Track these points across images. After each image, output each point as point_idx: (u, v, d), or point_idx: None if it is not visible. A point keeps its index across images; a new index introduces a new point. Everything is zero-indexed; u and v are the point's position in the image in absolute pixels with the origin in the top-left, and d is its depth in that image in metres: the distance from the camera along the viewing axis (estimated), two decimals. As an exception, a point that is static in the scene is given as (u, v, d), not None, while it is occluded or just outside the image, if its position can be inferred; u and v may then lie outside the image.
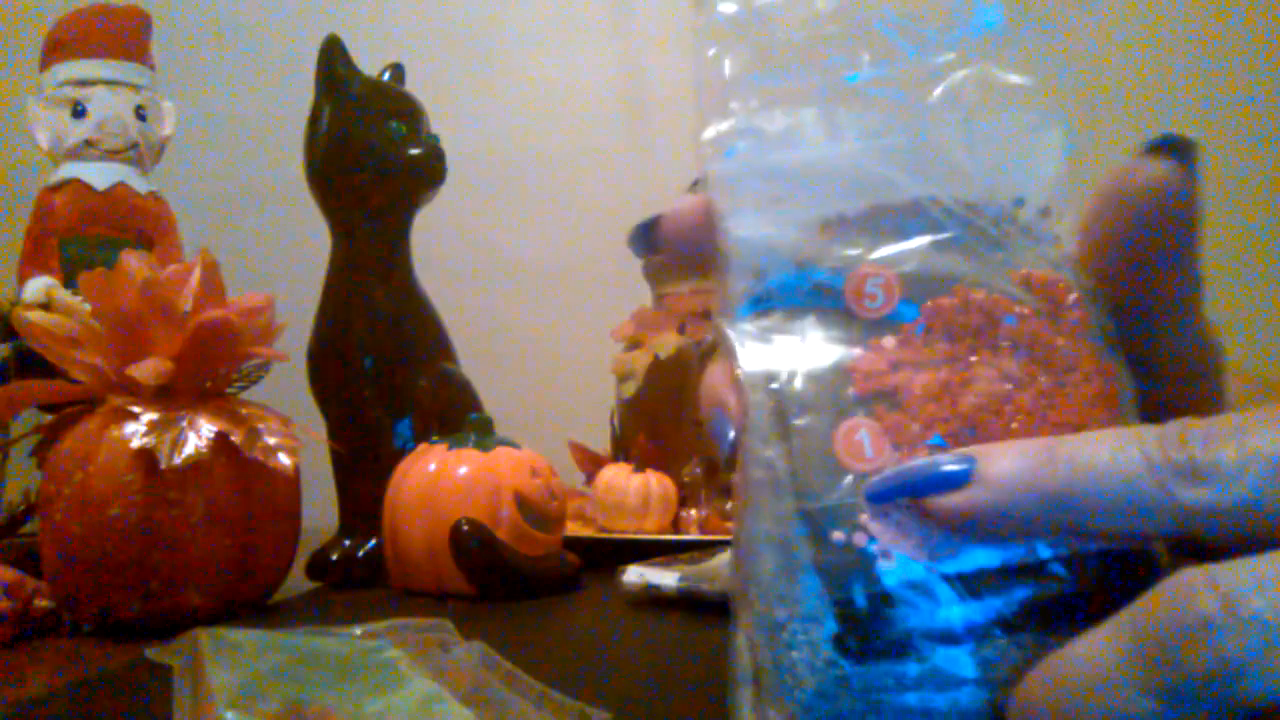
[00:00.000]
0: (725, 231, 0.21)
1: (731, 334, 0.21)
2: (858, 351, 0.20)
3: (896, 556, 0.18)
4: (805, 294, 0.20)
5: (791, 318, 0.20)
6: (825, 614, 0.18)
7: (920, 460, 0.19)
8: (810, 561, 0.18)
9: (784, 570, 0.18)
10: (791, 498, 0.19)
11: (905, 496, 0.18)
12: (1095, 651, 0.16)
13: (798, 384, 0.20)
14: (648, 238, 0.24)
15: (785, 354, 0.20)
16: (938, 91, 0.22)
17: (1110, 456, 0.17)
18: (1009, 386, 0.19)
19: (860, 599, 0.18)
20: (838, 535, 0.18)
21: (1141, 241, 0.20)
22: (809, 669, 0.18)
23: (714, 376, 0.22)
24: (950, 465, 0.18)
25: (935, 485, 0.18)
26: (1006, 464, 0.18)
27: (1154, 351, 0.21)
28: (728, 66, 0.23)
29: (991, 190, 0.21)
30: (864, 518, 0.18)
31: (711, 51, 0.23)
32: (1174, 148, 0.19)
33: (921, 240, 0.21)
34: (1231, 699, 0.15)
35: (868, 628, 0.18)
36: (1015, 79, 0.22)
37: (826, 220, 0.21)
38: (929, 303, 0.20)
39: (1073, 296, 0.20)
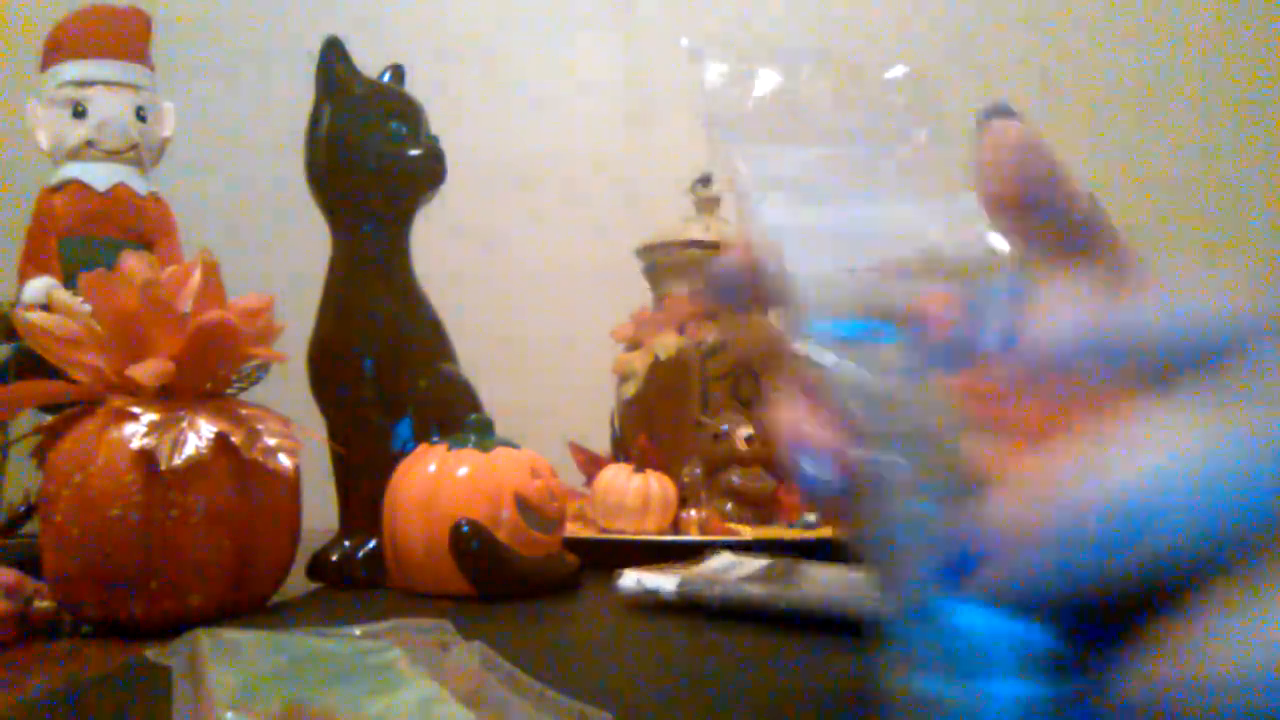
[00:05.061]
0: (787, 272, 0.22)
1: (825, 360, 0.21)
2: (955, 371, 0.21)
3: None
4: (880, 324, 0.21)
5: (871, 344, 0.21)
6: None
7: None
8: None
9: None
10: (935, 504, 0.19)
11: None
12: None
13: (909, 403, 0.20)
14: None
15: (880, 373, 0.21)
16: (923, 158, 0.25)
17: (1172, 295, 0.18)
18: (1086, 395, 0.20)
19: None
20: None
21: (1029, 172, 0.23)
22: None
23: (791, 412, 0.22)
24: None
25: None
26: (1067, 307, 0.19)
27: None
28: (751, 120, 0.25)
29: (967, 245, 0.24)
30: None
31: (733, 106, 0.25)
32: (1001, 109, 0.24)
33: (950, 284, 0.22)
34: None
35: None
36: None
37: (874, 265, 0.23)
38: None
39: None
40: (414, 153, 0.60)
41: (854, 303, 0.22)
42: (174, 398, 0.45)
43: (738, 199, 0.24)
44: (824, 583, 0.44)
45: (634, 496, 0.66)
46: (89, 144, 0.67)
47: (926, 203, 0.25)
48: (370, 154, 0.59)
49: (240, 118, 1.11)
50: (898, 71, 0.26)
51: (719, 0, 1.17)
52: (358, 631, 0.35)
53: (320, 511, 0.59)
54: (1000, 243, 0.24)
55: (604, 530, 0.66)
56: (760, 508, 0.71)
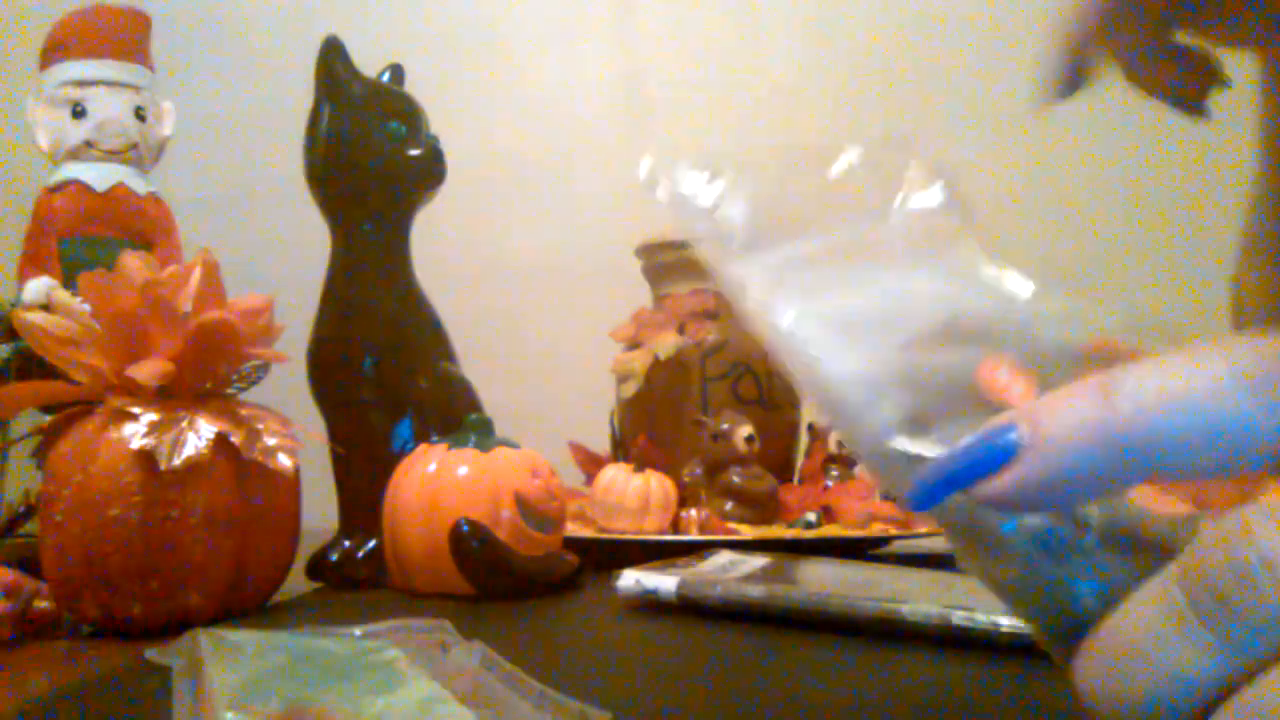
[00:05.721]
0: (827, 379, 0.21)
1: (900, 467, 0.19)
2: None
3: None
4: (952, 407, 0.20)
5: (943, 432, 0.19)
6: None
7: (959, 446, 0.17)
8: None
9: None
10: None
11: (956, 491, 0.17)
12: (1142, 611, 0.14)
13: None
14: None
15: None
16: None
17: (1186, 379, 0.14)
18: None
19: None
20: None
21: None
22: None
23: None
24: (992, 441, 0.16)
25: (983, 468, 0.16)
26: (1056, 420, 0.15)
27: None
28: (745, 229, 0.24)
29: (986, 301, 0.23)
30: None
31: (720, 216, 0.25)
32: None
33: (984, 348, 0.21)
34: None
35: None
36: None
37: (902, 345, 0.21)
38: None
39: (1127, 345, 0.20)
40: (414, 153, 0.60)
41: (908, 394, 0.20)
42: (174, 398, 0.45)
43: (748, 316, 0.23)
44: (824, 583, 0.44)
45: (634, 496, 0.66)
46: (88, 144, 0.67)
47: (930, 262, 0.24)
48: (370, 154, 0.59)
49: (240, 118, 1.11)
50: (844, 163, 0.26)
51: (717, 0, 1.17)
52: (358, 631, 0.35)
53: (320, 511, 0.59)
54: (1013, 284, 0.23)
55: (604, 530, 0.66)
56: (760, 508, 0.71)
